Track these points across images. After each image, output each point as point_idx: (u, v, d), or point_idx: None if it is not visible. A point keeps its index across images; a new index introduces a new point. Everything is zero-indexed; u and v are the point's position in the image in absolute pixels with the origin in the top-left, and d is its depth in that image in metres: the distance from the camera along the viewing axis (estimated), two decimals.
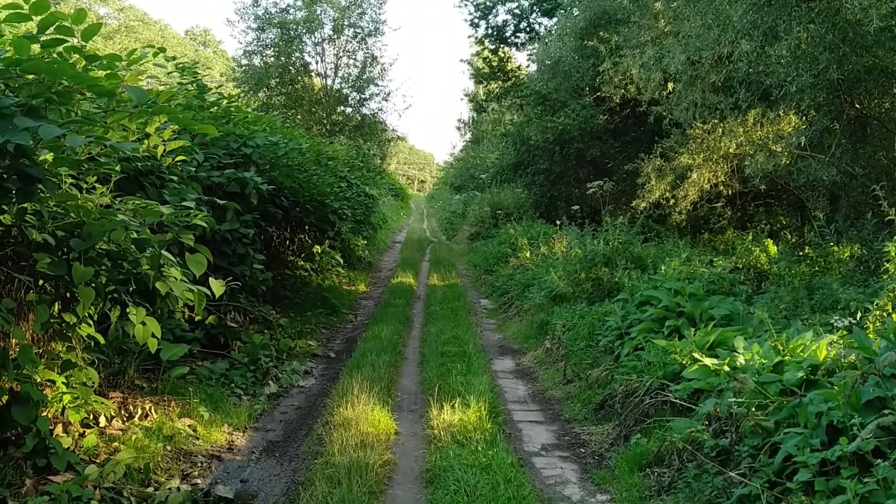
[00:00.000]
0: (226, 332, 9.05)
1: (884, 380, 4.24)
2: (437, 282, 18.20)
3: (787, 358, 5.96)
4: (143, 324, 5.37)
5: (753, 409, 5.16)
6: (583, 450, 6.81)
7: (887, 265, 6.03)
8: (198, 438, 6.62)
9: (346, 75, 36.98)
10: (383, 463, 6.07)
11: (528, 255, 17.11)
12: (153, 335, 5.41)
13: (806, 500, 4.11)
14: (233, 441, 6.91)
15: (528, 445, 6.94)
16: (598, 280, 11.61)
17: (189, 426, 6.67)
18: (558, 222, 17.75)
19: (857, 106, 11.67)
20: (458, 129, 63.69)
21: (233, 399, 7.83)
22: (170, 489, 5.39)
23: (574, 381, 8.86)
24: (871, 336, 5.44)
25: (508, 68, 33.23)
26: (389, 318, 12.77)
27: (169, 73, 10.84)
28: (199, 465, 6.18)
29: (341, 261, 17.05)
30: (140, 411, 6.47)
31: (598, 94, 20.24)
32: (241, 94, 31.18)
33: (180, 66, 10.29)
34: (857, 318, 6.33)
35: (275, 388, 8.66)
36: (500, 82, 33.52)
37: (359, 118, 36.72)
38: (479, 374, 8.78)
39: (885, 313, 5.85)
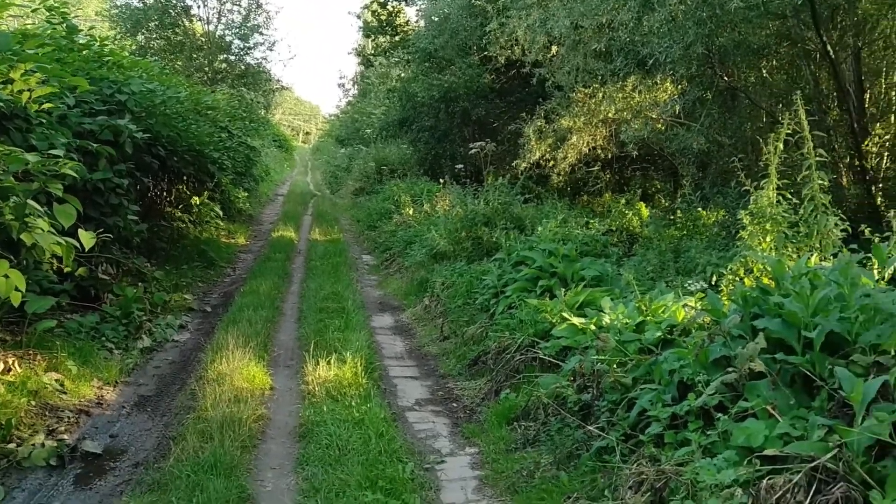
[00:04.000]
0: (97, 284, 8.81)
1: (730, 340, 4.56)
2: (320, 237, 18.12)
3: (648, 318, 6.29)
4: (7, 276, 5.18)
5: (614, 367, 5.45)
6: (455, 404, 7.01)
7: (742, 233, 6.42)
8: (65, 393, 6.46)
9: (229, 22, 35.83)
10: (257, 418, 6.11)
11: (411, 212, 17.21)
12: (17, 288, 5.23)
13: (656, 451, 4.40)
14: (102, 396, 6.80)
15: (403, 400, 7.09)
16: (478, 239, 11.83)
17: (56, 381, 6.51)
18: (442, 181, 17.91)
19: (727, 78, 12.18)
20: (341, 85, 62.70)
21: (103, 353, 7.68)
22: (34, 445, 5.29)
23: (451, 337, 9.06)
24: (724, 299, 5.81)
25: (397, 23, 32.98)
26: (268, 273, 12.68)
27: (34, 10, 10.29)
28: (66, 420, 6.06)
29: (220, 213, 16.74)
30: (2, 365, 6.26)
31: (485, 53, 20.31)
32: (117, 37, 29.72)
33: (48, 4, 9.79)
34: (712, 282, 6.72)
35: (148, 342, 8.53)
36: (388, 37, 33.24)
37: (242, 67, 35.68)
38: (357, 330, 8.86)
39: (737, 278, 6.23)
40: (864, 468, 3.36)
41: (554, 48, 16.06)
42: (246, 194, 21.52)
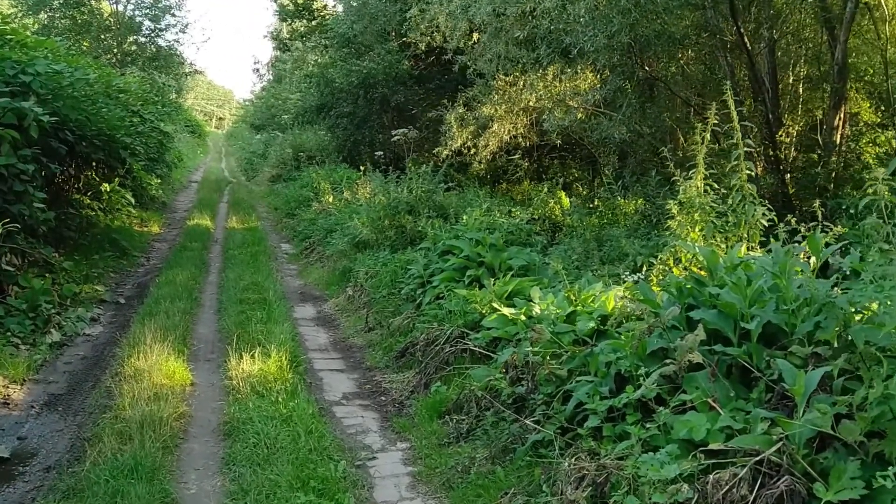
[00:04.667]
0: (1, 276, 8.33)
1: (667, 331, 4.54)
2: (237, 225, 17.68)
3: (579, 308, 6.26)
4: None
5: (548, 358, 5.39)
6: (384, 398, 6.87)
7: (670, 223, 6.44)
8: None
9: (139, 2, 34.50)
10: (178, 416, 5.87)
11: (331, 199, 16.93)
12: None
13: (595, 444, 4.35)
14: (9, 395, 6.44)
15: (329, 394, 6.91)
16: (402, 228, 11.66)
17: None
18: (362, 167, 17.68)
19: (647, 68, 12.32)
20: (256, 70, 61.26)
21: (9, 349, 7.28)
22: None
23: (376, 328, 8.91)
24: (654, 289, 5.81)
25: (314, 7, 32.37)
26: (185, 263, 12.29)
27: None
28: None
29: (132, 200, 16.17)
30: None
31: (404, 39, 20.14)
32: (18, 15, 28.36)
33: None
34: (643, 272, 6.74)
35: (58, 336, 8.13)
36: (305, 21, 32.61)
37: (153, 49, 34.48)
38: (280, 322, 8.61)
39: (667, 268, 6.26)
40: (807, 460, 3.36)
41: (475, 35, 16.00)
42: (159, 181, 20.86)
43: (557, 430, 4.73)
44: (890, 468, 2.76)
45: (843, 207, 9.91)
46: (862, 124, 14.91)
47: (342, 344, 8.75)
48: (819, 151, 12.76)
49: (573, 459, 4.26)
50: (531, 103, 15.01)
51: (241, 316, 8.85)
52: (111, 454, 5.03)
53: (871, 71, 14.12)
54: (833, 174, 11.98)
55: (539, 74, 14.33)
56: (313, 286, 11.83)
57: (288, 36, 36.53)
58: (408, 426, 6.02)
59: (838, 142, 12.15)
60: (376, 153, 19.33)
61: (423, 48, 18.95)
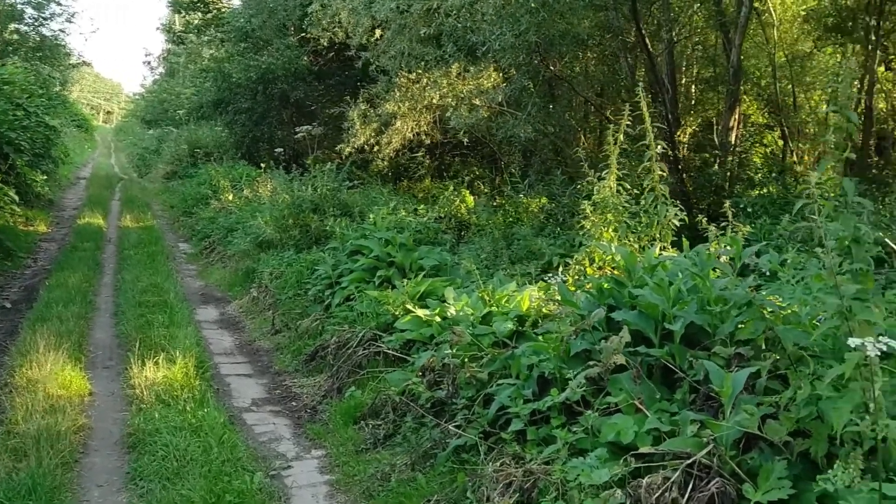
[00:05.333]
0: None
1: (590, 332, 4.52)
2: (131, 223, 17.00)
3: (494, 308, 6.21)
4: None
5: (468, 361, 5.31)
6: (295, 403, 6.67)
7: (584, 222, 6.46)
8: None
9: None
10: (77, 429, 5.54)
11: (231, 197, 16.46)
12: None
13: (519, 448, 4.30)
14: None
15: (239, 401, 6.66)
16: (307, 227, 11.40)
17: None
18: (262, 165, 17.24)
19: (552, 68, 12.44)
20: (147, 63, 58.92)
21: None
22: None
23: (283, 330, 8.67)
24: (570, 289, 5.81)
25: None
26: (77, 264, 11.70)
27: None
28: None
29: (16, 198, 15.28)
30: None
31: (304, 34, 19.80)
32: None
33: None
34: (559, 272, 6.75)
35: None
36: (199, 13, 31.65)
37: (37, 39, 32.79)
38: (182, 325, 8.27)
39: (582, 268, 6.28)
40: (734, 461, 3.38)
41: (378, 32, 15.85)
42: (45, 177, 19.82)
43: (480, 435, 4.66)
44: (829, 471, 2.80)
45: (741, 206, 10.24)
46: (751, 125, 15.53)
47: (248, 347, 8.47)
48: (714, 151, 13.18)
49: (498, 464, 4.19)
50: (435, 101, 14.96)
51: (141, 320, 8.46)
52: (5, 473, 4.69)
53: (759, 73, 14.70)
54: (729, 174, 12.38)
55: (443, 72, 14.30)
56: (215, 287, 11.45)
57: (182, 28, 35.40)
58: (322, 433, 5.85)
59: (734, 142, 12.56)
60: (276, 150, 18.92)
61: (324, 43, 18.65)
